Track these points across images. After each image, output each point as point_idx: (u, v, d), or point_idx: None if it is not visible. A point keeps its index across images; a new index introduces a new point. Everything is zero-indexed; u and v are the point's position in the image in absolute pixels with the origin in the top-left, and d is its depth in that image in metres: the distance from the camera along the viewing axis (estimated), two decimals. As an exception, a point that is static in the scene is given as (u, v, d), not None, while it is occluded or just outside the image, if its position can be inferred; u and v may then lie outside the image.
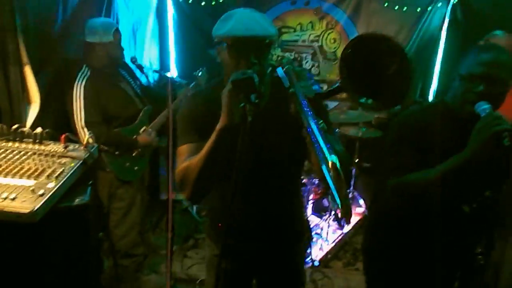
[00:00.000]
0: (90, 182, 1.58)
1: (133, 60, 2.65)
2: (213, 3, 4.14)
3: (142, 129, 2.77)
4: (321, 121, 1.20)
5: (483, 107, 1.45)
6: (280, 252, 1.75)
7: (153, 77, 3.85)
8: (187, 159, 1.43)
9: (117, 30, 2.61)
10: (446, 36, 4.15)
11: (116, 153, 2.62)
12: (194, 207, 4.18)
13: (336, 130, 3.70)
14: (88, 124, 2.46)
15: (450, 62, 4.09)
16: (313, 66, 4.39)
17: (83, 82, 2.48)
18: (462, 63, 1.55)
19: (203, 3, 4.15)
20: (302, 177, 1.75)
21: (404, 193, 1.62)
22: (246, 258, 1.70)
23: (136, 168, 2.76)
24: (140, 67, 2.65)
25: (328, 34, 4.30)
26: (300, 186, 1.85)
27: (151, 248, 3.39)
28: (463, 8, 3.98)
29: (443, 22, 4.14)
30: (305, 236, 1.84)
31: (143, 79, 3.16)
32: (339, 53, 4.34)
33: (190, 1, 4.18)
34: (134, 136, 2.72)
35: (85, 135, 2.43)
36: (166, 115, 2.77)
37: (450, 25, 4.11)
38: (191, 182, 1.40)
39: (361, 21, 4.22)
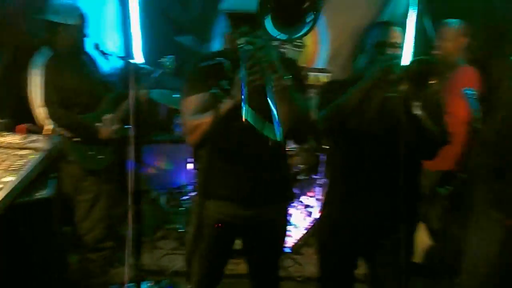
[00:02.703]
0: (53, 175, 1.51)
1: (96, 46, 2.56)
2: (179, -12, 4.04)
3: (105, 117, 2.67)
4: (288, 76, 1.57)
5: (469, 91, 1.85)
6: (266, 213, 1.95)
7: (117, 64, 3.72)
8: (195, 109, 1.72)
9: (82, 14, 2.55)
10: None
11: (76, 139, 2.52)
12: (163, 198, 4.11)
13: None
14: (46, 104, 2.36)
15: (418, 44, 4.15)
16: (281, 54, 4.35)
17: (44, 62, 2.39)
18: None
19: (169, -12, 4.04)
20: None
21: (331, 117, 1.92)
22: (235, 219, 1.92)
23: (100, 157, 2.67)
24: (104, 54, 2.56)
25: (296, 21, 4.27)
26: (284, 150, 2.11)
27: (120, 241, 3.31)
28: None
29: (408, 7, 4.19)
30: (288, 196, 2.09)
31: (107, 66, 3.05)
32: (307, 41, 4.33)
33: (156, -14, 4.05)
34: (96, 124, 2.62)
35: (42, 116, 2.34)
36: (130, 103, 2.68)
37: (417, 8, 4.17)
38: (198, 136, 1.71)
39: (329, 7, 4.18)
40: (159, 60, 3.01)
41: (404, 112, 1.76)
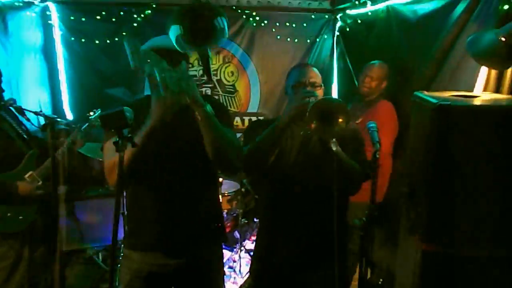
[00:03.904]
0: None
1: (11, 102, 2.47)
2: (108, 41, 4.04)
3: (27, 175, 2.54)
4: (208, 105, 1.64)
5: (370, 125, 1.91)
6: (196, 258, 1.91)
7: (39, 120, 3.61)
8: (111, 152, 1.63)
9: None
10: (337, 64, 4.45)
11: None
12: (100, 255, 3.90)
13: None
14: None
15: (342, 86, 4.37)
16: (213, 99, 4.43)
17: None
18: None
19: (97, 42, 4.02)
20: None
21: (251, 154, 1.93)
22: (164, 269, 1.87)
23: (20, 217, 2.50)
24: (19, 110, 2.47)
25: (226, 68, 4.40)
26: (214, 185, 2.13)
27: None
28: (344, 40, 4.30)
29: (332, 51, 4.45)
30: (220, 236, 2.04)
31: (30, 122, 2.95)
32: (237, 86, 4.45)
33: (83, 40, 4.02)
34: (16, 182, 2.48)
35: None
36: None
37: (338, 54, 4.42)
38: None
39: (256, 53, 4.38)
40: (87, 115, 2.94)
41: (322, 149, 1.80)
